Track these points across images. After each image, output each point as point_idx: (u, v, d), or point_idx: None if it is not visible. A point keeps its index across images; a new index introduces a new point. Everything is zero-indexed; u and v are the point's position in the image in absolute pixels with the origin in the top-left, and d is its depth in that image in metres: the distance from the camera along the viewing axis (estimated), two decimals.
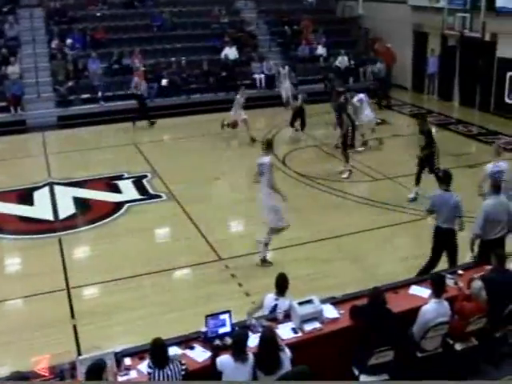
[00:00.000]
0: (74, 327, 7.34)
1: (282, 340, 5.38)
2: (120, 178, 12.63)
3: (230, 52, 19.63)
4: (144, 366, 5.08)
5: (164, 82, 18.29)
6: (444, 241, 7.58)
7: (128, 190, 11.97)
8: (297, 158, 13.73)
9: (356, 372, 5.62)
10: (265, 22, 22.03)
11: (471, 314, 5.82)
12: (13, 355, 6.79)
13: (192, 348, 5.38)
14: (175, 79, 18.48)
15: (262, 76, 19.44)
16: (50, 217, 10.80)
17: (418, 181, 10.91)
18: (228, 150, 14.86)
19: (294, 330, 5.64)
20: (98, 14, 20.44)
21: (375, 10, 21.45)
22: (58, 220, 10.68)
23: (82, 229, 10.32)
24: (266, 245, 8.66)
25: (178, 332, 5.75)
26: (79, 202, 11.43)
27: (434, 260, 7.66)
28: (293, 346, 5.34)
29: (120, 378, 4.99)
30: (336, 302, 6.09)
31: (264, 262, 8.67)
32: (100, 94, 17.81)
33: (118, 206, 11.20)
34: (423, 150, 10.67)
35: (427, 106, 18.60)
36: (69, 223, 10.52)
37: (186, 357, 5.24)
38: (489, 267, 6.52)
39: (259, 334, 5.24)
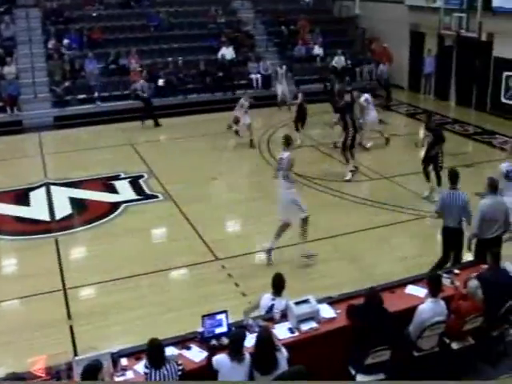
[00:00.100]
0: (71, 328, 7.33)
1: (279, 340, 5.39)
2: (116, 178, 12.61)
3: (227, 52, 19.60)
4: (140, 366, 5.08)
5: (161, 82, 18.23)
6: (452, 240, 7.62)
7: (124, 191, 11.95)
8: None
9: (352, 372, 5.62)
10: (261, 22, 22.01)
11: (467, 313, 5.84)
12: (13, 355, 6.77)
13: (188, 348, 5.39)
14: (172, 79, 18.43)
15: (259, 76, 19.39)
16: (46, 217, 10.77)
17: (427, 177, 10.93)
18: (225, 150, 14.82)
19: (291, 330, 5.65)
20: (95, 14, 20.38)
21: (372, 9, 21.45)
22: (54, 220, 10.66)
23: (78, 229, 10.29)
24: (305, 235, 8.63)
25: (176, 332, 5.75)
26: (75, 202, 11.40)
27: (445, 257, 7.71)
28: (289, 345, 5.34)
29: (117, 379, 5.00)
30: (332, 302, 6.09)
31: (309, 256, 8.69)
32: (97, 94, 17.76)
33: (115, 206, 11.19)
34: (432, 148, 10.63)
35: (424, 105, 18.55)
36: (65, 224, 10.50)
37: (183, 357, 5.24)
38: (485, 266, 6.54)
39: (256, 334, 5.24)
